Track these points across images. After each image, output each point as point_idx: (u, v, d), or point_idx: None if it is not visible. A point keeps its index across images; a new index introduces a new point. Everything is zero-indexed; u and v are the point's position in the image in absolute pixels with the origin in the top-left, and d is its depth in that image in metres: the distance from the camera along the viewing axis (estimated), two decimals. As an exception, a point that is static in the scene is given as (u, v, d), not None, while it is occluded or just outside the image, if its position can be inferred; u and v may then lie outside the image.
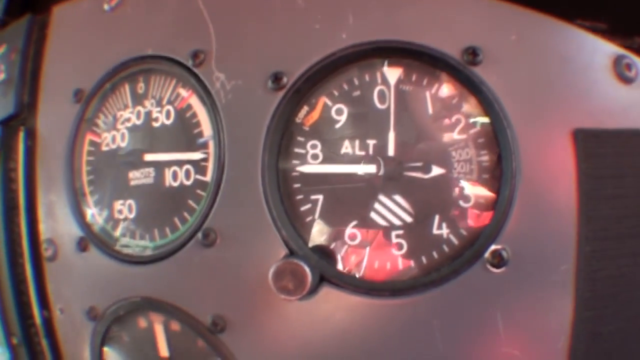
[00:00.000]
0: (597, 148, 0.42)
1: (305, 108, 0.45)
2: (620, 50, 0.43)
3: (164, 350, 0.51)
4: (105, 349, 0.54)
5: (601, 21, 0.52)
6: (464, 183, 0.43)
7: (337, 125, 0.44)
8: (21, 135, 0.61)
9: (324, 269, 0.43)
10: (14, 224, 0.60)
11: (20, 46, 0.63)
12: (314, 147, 0.45)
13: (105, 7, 0.55)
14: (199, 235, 0.45)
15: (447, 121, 0.43)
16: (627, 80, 0.43)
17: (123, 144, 0.51)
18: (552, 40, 0.43)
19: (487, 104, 0.42)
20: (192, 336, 0.48)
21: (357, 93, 0.44)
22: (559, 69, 0.42)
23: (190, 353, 0.49)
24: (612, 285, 0.41)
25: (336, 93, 0.45)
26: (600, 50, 0.43)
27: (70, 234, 0.53)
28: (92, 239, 0.52)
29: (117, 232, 0.51)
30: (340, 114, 0.45)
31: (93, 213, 0.54)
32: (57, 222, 0.55)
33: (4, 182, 0.60)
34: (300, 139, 0.45)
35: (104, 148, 0.53)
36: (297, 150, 0.45)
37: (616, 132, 0.42)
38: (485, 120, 0.43)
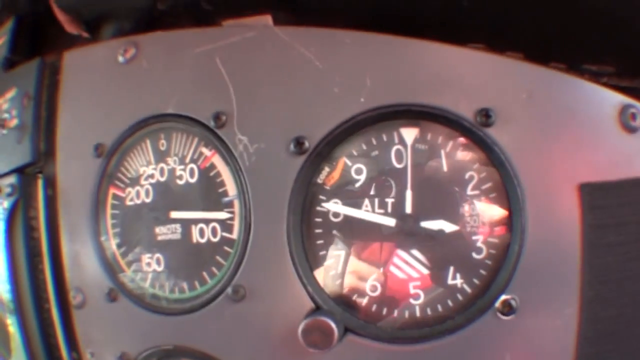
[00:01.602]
0: (602, 199, 0.45)
1: (326, 169, 0.47)
2: (627, 100, 0.46)
3: (195, 393, 0.54)
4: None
5: (608, 64, 0.54)
6: (476, 236, 0.46)
7: (357, 184, 0.47)
8: (40, 184, 0.62)
9: (348, 321, 0.46)
10: (38, 270, 0.62)
11: (32, 92, 0.63)
12: (335, 205, 0.47)
13: (120, 59, 0.55)
14: (229, 290, 0.48)
15: (460, 177, 0.46)
16: (631, 130, 0.45)
17: (148, 200, 0.53)
18: (560, 94, 0.45)
19: (499, 163, 0.45)
20: (222, 381, 0.51)
21: (375, 153, 0.47)
22: (567, 122, 0.45)
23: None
24: (612, 324, 0.45)
25: (355, 153, 0.47)
26: (607, 100, 0.45)
27: (98, 284, 0.55)
28: (123, 291, 0.54)
29: (147, 284, 0.53)
30: (360, 174, 0.47)
31: (121, 265, 0.55)
32: (84, 273, 0.57)
33: (25, 230, 0.61)
34: (322, 197, 0.48)
35: (129, 203, 0.54)
36: (319, 209, 0.47)
37: (619, 183, 0.45)
38: (497, 176, 0.46)
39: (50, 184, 0.60)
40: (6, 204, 0.63)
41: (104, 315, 0.56)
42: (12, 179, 0.62)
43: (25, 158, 0.61)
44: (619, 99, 0.46)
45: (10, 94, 0.68)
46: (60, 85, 0.61)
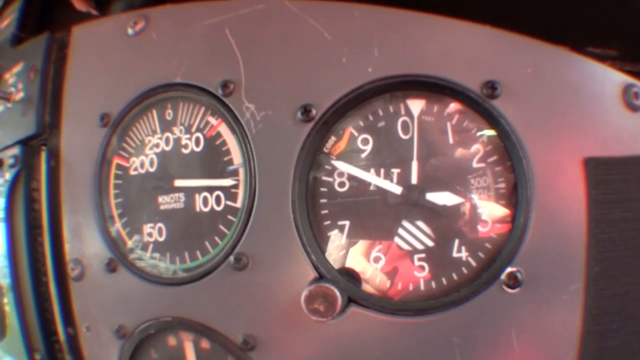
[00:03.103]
0: (606, 175, 0.45)
1: (333, 138, 0.48)
2: (629, 79, 0.46)
3: (193, 367, 0.53)
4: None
5: (611, 48, 0.55)
6: (482, 209, 0.45)
7: (363, 155, 0.47)
8: (43, 155, 0.61)
9: (352, 291, 0.45)
10: (37, 243, 0.61)
11: (40, 65, 0.63)
12: (340, 175, 0.47)
13: (130, 31, 0.56)
14: (231, 259, 0.47)
15: (466, 150, 0.46)
16: (634, 108, 0.45)
17: (152, 169, 0.52)
18: (565, 71, 0.45)
19: (505, 135, 0.45)
20: (221, 354, 0.50)
21: (381, 124, 0.47)
22: (572, 98, 0.45)
23: (218, 370, 0.52)
24: (618, 302, 0.45)
25: (362, 124, 0.47)
26: (610, 79, 0.45)
27: (98, 255, 0.55)
28: (122, 261, 0.53)
29: (148, 254, 0.53)
30: (366, 144, 0.47)
31: (122, 235, 0.55)
32: (84, 243, 0.56)
33: (26, 201, 0.61)
34: (328, 167, 0.47)
35: (132, 172, 0.54)
36: (325, 178, 0.47)
37: (623, 159, 0.45)
38: (502, 149, 0.46)
39: (54, 155, 0.60)
40: (8, 175, 0.63)
41: (103, 286, 0.55)
42: (15, 151, 0.62)
43: (29, 130, 0.61)
44: (621, 78, 0.47)
45: (17, 68, 0.68)
46: (68, 58, 0.61)
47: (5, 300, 0.68)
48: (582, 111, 0.45)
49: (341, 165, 0.46)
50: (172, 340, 0.53)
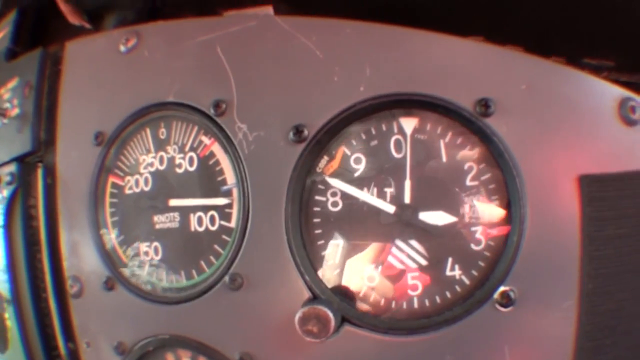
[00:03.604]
0: (601, 192, 0.45)
1: (326, 158, 0.47)
2: (626, 93, 0.46)
3: (191, 383, 0.54)
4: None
5: (608, 59, 0.54)
6: (475, 227, 0.45)
7: (356, 174, 0.47)
8: (40, 172, 0.62)
9: (346, 310, 0.45)
10: (36, 259, 0.62)
11: (34, 81, 0.63)
12: (334, 195, 0.47)
13: (122, 48, 0.56)
14: (226, 279, 0.48)
15: (459, 168, 0.45)
16: (630, 123, 0.45)
17: (147, 188, 0.53)
18: (560, 86, 0.45)
19: (498, 154, 0.45)
20: (218, 371, 0.51)
21: (374, 142, 0.47)
22: (567, 114, 0.44)
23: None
24: (612, 318, 0.45)
25: (354, 143, 0.47)
26: (607, 93, 0.45)
27: (96, 273, 0.55)
28: (120, 279, 0.54)
29: (145, 273, 0.53)
30: (359, 163, 0.47)
31: (119, 254, 0.55)
32: (81, 261, 0.57)
33: (24, 218, 0.61)
34: (321, 187, 0.47)
35: (127, 191, 0.54)
36: (318, 198, 0.47)
37: (619, 175, 0.45)
38: (496, 167, 0.45)
39: (50, 172, 0.60)
40: (5, 192, 0.63)
41: (101, 304, 0.56)
42: (11, 168, 0.63)
43: (26, 147, 0.62)
44: (618, 92, 0.46)
45: (12, 83, 0.69)
46: (62, 74, 0.61)
47: (7, 314, 0.69)
48: (578, 127, 0.45)
49: (336, 183, 0.46)
50: (170, 358, 0.54)
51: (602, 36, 0.54)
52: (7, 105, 0.67)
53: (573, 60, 0.54)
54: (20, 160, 0.62)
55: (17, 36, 0.73)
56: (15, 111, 0.66)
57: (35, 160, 0.62)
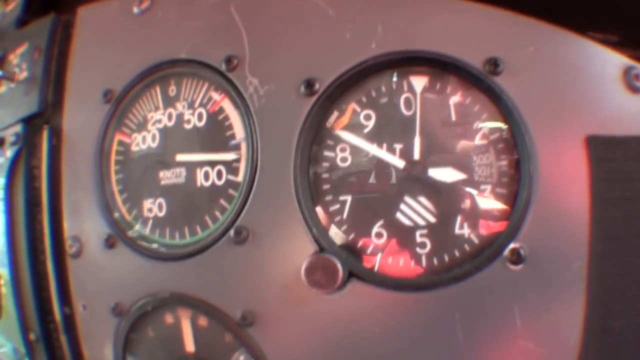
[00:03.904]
0: (608, 154, 0.45)
1: (336, 113, 0.48)
2: (630, 62, 0.46)
3: (190, 346, 0.52)
4: (129, 344, 0.55)
5: (612, 33, 0.56)
6: (484, 186, 0.45)
7: (366, 130, 0.47)
8: (45, 134, 0.61)
9: (353, 265, 0.45)
10: (36, 221, 0.61)
11: (44, 46, 0.63)
12: (343, 150, 0.47)
13: (135, 10, 0.57)
14: (231, 232, 0.47)
15: (469, 127, 0.46)
16: (635, 90, 0.45)
17: (154, 145, 0.52)
18: (566, 52, 0.46)
19: (507, 112, 0.45)
20: (219, 331, 0.50)
21: (384, 100, 0.47)
22: (573, 79, 0.45)
23: (216, 348, 0.51)
24: (622, 283, 0.44)
25: (365, 100, 0.47)
26: (611, 61, 0.46)
27: (97, 231, 0.54)
28: (121, 237, 0.53)
29: (147, 230, 0.52)
30: (369, 120, 0.47)
31: (121, 211, 0.54)
32: (83, 220, 0.56)
33: (26, 179, 0.61)
34: (330, 142, 0.47)
35: (134, 148, 0.54)
36: (327, 153, 0.47)
37: (625, 139, 0.45)
38: (505, 127, 0.46)
39: (56, 133, 0.60)
40: (9, 153, 0.63)
41: (100, 263, 0.55)
42: (17, 129, 0.63)
43: (32, 108, 0.62)
44: (622, 60, 0.47)
45: (22, 49, 0.69)
46: (73, 38, 0.62)
47: (2, 281, 0.67)
48: (583, 91, 0.45)
49: (346, 136, 0.46)
50: (169, 318, 0.53)
51: (607, 11, 0.55)
52: (16, 69, 0.68)
53: (578, 33, 0.55)
54: (26, 121, 0.62)
55: (29, 5, 0.74)
56: (24, 75, 0.66)
57: (41, 122, 0.62)
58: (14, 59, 0.69)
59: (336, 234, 0.46)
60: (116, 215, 0.54)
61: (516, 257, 0.43)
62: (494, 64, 0.44)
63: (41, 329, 0.60)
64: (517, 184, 0.44)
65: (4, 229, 0.62)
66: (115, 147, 0.55)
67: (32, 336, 0.62)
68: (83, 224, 0.56)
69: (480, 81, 0.45)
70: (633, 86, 0.46)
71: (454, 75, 0.46)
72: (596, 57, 0.46)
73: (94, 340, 0.57)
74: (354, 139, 0.46)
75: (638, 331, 0.45)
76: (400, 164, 0.45)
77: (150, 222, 0.52)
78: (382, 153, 0.45)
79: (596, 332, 0.44)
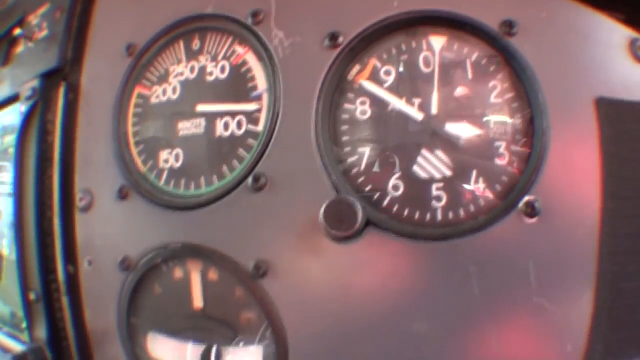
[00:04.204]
0: (617, 115, 0.47)
1: (357, 67, 0.49)
2: (635, 34, 0.49)
3: (198, 301, 0.50)
4: (134, 305, 0.53)
5: (619, 11, 0.59)
6: (499, 142, 0.46)
7: (386, 85, 0.48)
8: (62, 89, 0.61)
9: (371, 213, 0.45)
10: (46, 175, 0.60)
11: (67, 4, 0.64)
12: (362, 103, 0.48)
13: (161, -33, 0.58)
14: (249, 179, 0.47)
15: (484, 86, 0.47)
16: None
17: (174, 96, 0.53)
18: (576, 20, 0.48)
19: (521, 70, 0.47)
20: (229, 286, 0.49)
21: (404, 57, 0.48)
22: (582, 44, 0.47)
23: (225, 303, 0.50)
24: (634, 243, 0.45)
25: (385, 56, 0.49)
26: (617, 32, 0.48)
27: (110, 181, 0.54)
28: (135, 186, 0.52)
29: (162, 180, 0.52)
30: (389, 75, 0.48)
31: (136, 162, 0.54)
32: (96, 172, 0.56)
33: (39, 133, 0.60)
34: (351, 95, 0.48)
35: (154, 100, 0.54)
36: (347, 105, 0.48)
37: (633, 103, 0.47)
38: (519, 86, 0.47)
39: (73, 89, 0.60)
40: (24, 107, 0.62)
41: (111, 216, 0.54)
42: (34, 83, 0.62)
43: (51, 64, 0.62)
44: (628, 32, 0.50)
45: (43, 9, 0.70)
46: None
47: (4, 242, 0.65)
48: (591, 57, 0.48)
49: (368, 85, 0.47)
50: (178, 272, 0.51)
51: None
52: (35, 29, 0.68)
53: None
54: (43, 76, 0.62)
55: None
56: (44, 33, 0.66)
57: (59, 78, 0.62)
58: (33, 19, 0.69)
59: (355, 185, 0.46)
60: (130, 165, 0.54)
61: (531, 210, 0.43)
62: (509, 26, 0.47)
63: (42, 288, 0.58)
64: (531, 140, 0.46)
65: (12, 184, 0.61)
66: (134, 99, 0.55)
67: (31, 296, 0.60)
68: (96, 176, 0.55)
69: (496, 41, 0.47)
70: (639, 56, 0.49)
71: (472, 35, 0.48)
72: (604, 27, 0.49)
73: (97, 298, 0.56)
74: (375, 89, 0.46)
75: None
76: (419, 116, 0.46)
77: (166, 172, 0.52)
78: (401, 104, 0.46)
79: (609, 292, 0.44)
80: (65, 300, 0.58)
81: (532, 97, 0.46)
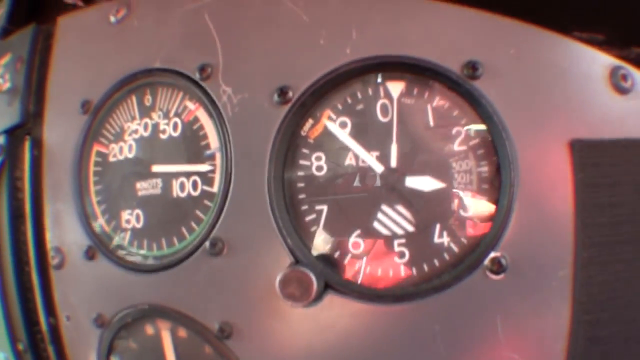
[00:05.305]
0: (593, 158, 0.44)
1: (310, 121, 0.47)
2: (616, 62, 0.45)
3: (170, 357, 0.52)
4: (112, 356, 0.55)
5: (598, 32, 0.54)
6: (464, 193, 0.44)
7: (342, 138, 0.46)
8: (27, 145, 0.61)
9: (329, 276, 0.44)
10: (20, 232, 0.61)
11: (26, 56, 0.63)
12: (318, 159, 0.46)
13: (112, 19, 0.56)
14: (207, 244, 0.47)
15: (447, 133, 0.44)
16: (622, 91, 0.44)
17: (130, 155, 0.52)
18: (550, 53, 0.44)
19: (487, 117, 0.44)
20: (198, 343, 0.49)
21: (360, 106, 0.46)
22: (557, 80, 0.44)
23: (196, 359, 0.51)
24: (609, 290, 0.43)
25: (340, 106, 0.46)
26: (597, 61, 0.44)
27: (77, 242, 0.54)
28: (100, 248, 0.53)
29: (125, 242, 0.52)
30: (344, 127, 0.46)
31: (101, 223, 0.54)
32: (64, 231, 0.56)
33: (10, 191, 0.61)
34: (305, 151, 0.47)
35: (112, 159, 0.54)
36: (302, 162, 0.46)
37: (611, 142, 0.43)
38: (485, 132, 0.44)
39: (37, 144, 0.60)
40: (-7, 164, 0.63)
41: (82, 275, 0.55)
42: (0, 140, 0.63)
43: (14, 119, 0.62)
44: (609, 60, 0.45)
45: (5, 60, 0.69)
46: (52, 48, 0.61)
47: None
48: (568, 93, 0.44)
49: (332, 127, 0.44)
50: (149, 329, 0.52)
51: (593, 9, 0.53)
52: (0, 80, 0.68)
53: (563, 33, 0.54)
54: (9, 132, 0.62)
55: (13, 16, 0.74)
56: (7, 85, 0.66)
57: (23, 133, 0.62)
58: (-2, 70, 0.69)
59: (313, 245, 0.46)
60: (96, 226, 0.54)
61: (497, 267, 0.42)
62: (472, 68, 0.43)
63: (29, 340, 0.60)
64: (498, 191, 0.43)
65: (-11, 240, 0.62)
66: (93, 157, 0.55)
67: (20, 346, 0.63)
68: (64, 236, 0.56)
69: (459, 85, 0.44)
70: (620, 87, 0.45)
71: (432, 79, 0.45)
72: (582, 58, 0.45)
73: (79, 351, 0.58)
74: (339, 133, 0.44)
75: (625, 340, 0.44)
76: (379, 168, 0.44)
77: (129, 233, 0.52)
78: (363, 153, 0.44)
79: (582, 341, 0.42)
80: (51, 350, 0.60)
81: (499, 146, 0.43)
